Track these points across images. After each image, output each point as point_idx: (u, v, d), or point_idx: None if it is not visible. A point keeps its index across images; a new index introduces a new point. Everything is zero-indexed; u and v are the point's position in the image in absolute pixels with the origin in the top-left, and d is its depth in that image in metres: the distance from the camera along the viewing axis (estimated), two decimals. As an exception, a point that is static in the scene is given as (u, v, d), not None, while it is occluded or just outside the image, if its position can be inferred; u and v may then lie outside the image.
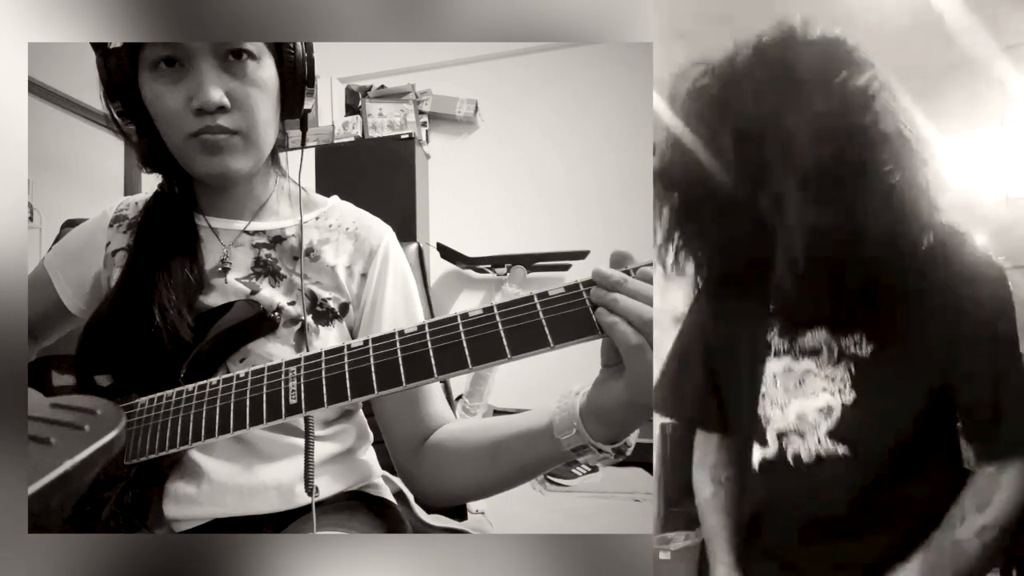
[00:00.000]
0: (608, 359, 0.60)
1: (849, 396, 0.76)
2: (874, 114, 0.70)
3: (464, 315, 0.58)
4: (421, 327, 0.60)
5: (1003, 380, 0.72)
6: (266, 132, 0.78)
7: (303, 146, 0.89)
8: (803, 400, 0.77)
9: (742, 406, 0.84)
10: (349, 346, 0.62)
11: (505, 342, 0.56)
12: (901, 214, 0.70)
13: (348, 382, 0.60)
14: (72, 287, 0.90)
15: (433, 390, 0.83)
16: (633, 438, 0.63)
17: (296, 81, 0.79)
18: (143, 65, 0.74)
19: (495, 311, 0.57)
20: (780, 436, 0.78)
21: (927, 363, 0.74)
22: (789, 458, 0.77)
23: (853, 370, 0.75)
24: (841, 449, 0.75)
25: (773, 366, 0.80)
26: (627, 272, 0.56)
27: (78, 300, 0.90)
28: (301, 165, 0.87)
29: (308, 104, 0.82)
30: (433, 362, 0.58)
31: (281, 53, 0.77)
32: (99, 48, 0.76)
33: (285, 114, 0.81)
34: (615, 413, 0.60)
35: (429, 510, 0.96)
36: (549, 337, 0.55)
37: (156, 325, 0.74)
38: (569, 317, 0.56)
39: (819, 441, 0.76)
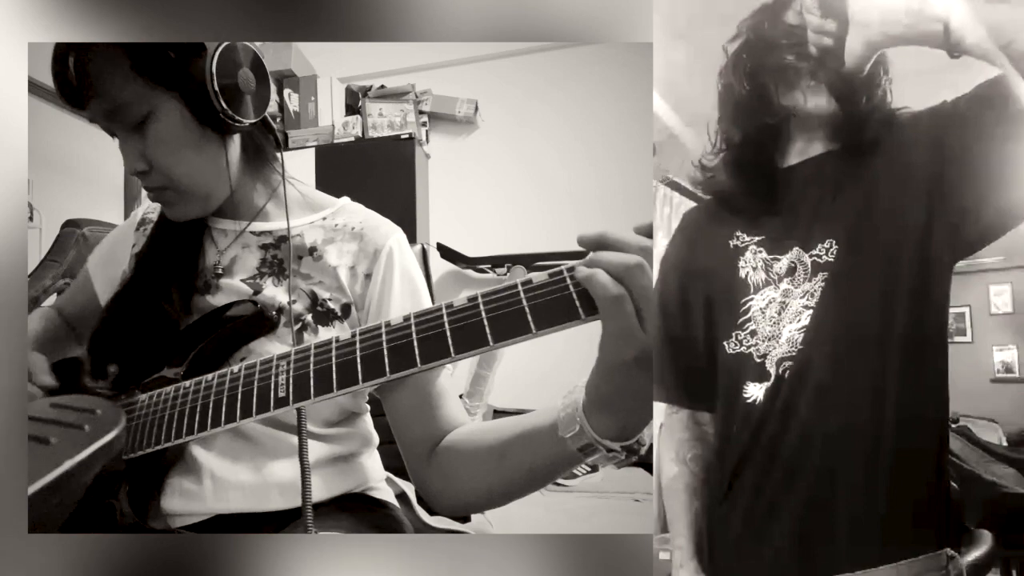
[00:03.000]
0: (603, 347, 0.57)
1: (827, 304, 0.74)
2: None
3: (449, 305, 0.58)
4: (407, 318, 0.59)
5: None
6: (196, 174, 0.78)
7: (279, 147, 0.88)
8: (790, 324, 0.76)
9: (718, 366, 0.81)
10: (337, 339, 0.62)
11: (488, 330, 0.55)
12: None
13: (335, 374, 0.60)
14: (105, 287, 0.93)
15: (446, 392, 0.81)
16: (647, 436, 0.60)
17: (199, 100, 0.73)
18: None
19: (479, 300, 0.57)
20: (779, 363, 0.76)
21: (893, 242, 0.74)
22: (789, 376, 0.75)
23: (827, 276, 0.75)
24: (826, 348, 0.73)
25: (757, 303, 0.79)
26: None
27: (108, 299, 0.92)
28: (283, 166, 0.88)
29: (266, 112, 0.79)
30: (417, 352, 0.57)
31: (187, 89, 0.73)
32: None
33: (220, 131, 0.77)
34: (614, 398, 0.57)
35: (433, 513, 0.95)
36: (532, 324, 0.54)
37: (146, 307, 0.78)
38: (552, 303, 0.55)
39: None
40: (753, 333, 0.78)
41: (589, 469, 2.61)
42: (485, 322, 0.56)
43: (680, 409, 0.88)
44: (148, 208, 0.95)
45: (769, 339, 0.77)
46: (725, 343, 0.80)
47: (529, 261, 2.89)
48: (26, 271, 0.73)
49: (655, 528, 1.92)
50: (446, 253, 3.01)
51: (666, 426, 0.89)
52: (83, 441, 0.56)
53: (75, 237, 1.71)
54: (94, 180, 2.76)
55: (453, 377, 1.18)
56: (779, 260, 0.78)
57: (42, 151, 2.63)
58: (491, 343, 0.55)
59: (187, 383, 0.69)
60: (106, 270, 0.94)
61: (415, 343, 0.58)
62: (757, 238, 0.80)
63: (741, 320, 0.79)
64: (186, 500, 0.74)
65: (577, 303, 0.54)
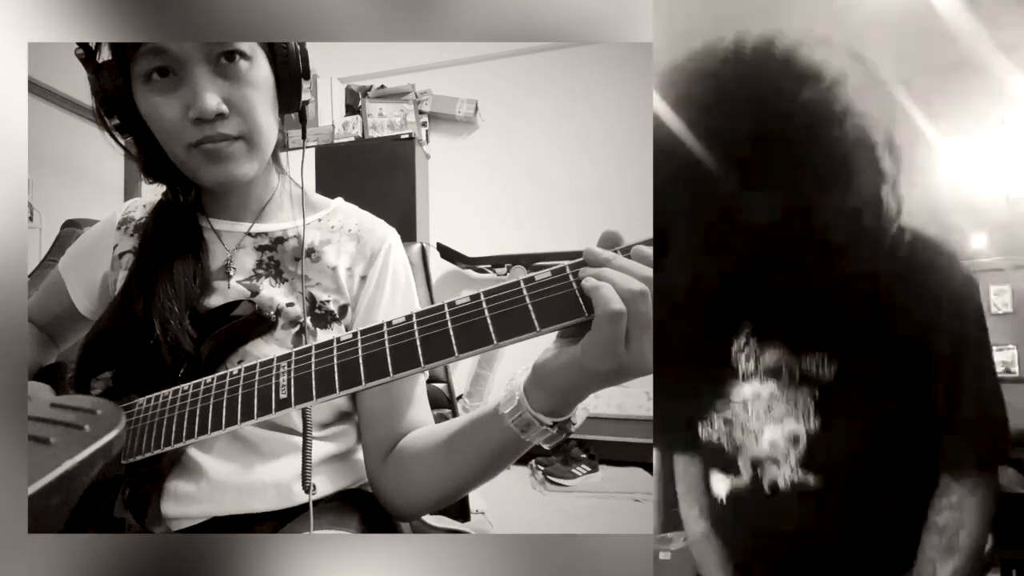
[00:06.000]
0: (566, 331, 0.57)
1: (814, 423, 0.72)
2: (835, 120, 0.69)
3: (451, 303, 0.57)
4: (409, 317, 0.59)
5: (968, 395, 0.70)
6: (268, 133, 0.77)
7: (304, 143, 0.86)
8: (773, 427, 0.73)
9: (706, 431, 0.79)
10: (338, 339, 0.61)
11: (491, 328, 0.55)
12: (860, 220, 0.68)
13: (336, 375, 0.59)
14: (82, 289, 0.90)
15: (417, 395, 0.81)
16: (579, 416, 0.61)
17: (291, 76, 0.77)
18: (135, 77, 0.73)
19: (482, 298, 0.56)
20: (755, 464, 0.74)
21: (894, 382, 0.71)
22: (766, 487, 0.73)
23: (817, 395, 0.72)
24: (812, 480, 0.71)
25: (743, 391, 0.75)
26: (616, 252, 0.55)
27: (88, 302, 0.90)
28: (303, 163, 0.85)
29: (305, 96, 0.80)
30: (420, 351, 0.56)
31: (273, 49, 0.76)
32: (90, 65, 0.75)
33: (283, 110, 0.80)
34: (558, 376, 0.57)
35: (404, 519, 0.92)
36: (535, 321, 0.54)
37: (156, 337, 0.73)
38: (556, 300, 0.54)
39: (792, 470, 0.72)
40: (728, 422, 0.75)
41: (589, 469, 2.61)
42: (488, 320, 0.55)
43: (693, 460, 0.84)
44: (129, 207, 0.92)
45: (747, 433, 0.74)
46: (700, 423, 0.77)
47: (529, 261, 2.90)
48: (26, 271, 0.72)
49: (655, 528, 1.92)
50: (446, 253, 3.01)
51: (684, 480, 0.85)
52: (83, 441, 0.56)
53: (75, 237, 1.71)
54: (94, 180, 2.77)
55: (454, 375, 1.18)
56: (763, 354, 0.74)
57: (42, 151, 2.64)
58: (495, 341, 0.55)
59: (185, 385, 0.68)
60: (82, 272, 0.91)
61: (418, 342, 0.57)
62: (749, 323, 0.75)
63: (719, 403, 0.76)
64: (183, 503, 0.74)
65: (581, 300, 0.54)
